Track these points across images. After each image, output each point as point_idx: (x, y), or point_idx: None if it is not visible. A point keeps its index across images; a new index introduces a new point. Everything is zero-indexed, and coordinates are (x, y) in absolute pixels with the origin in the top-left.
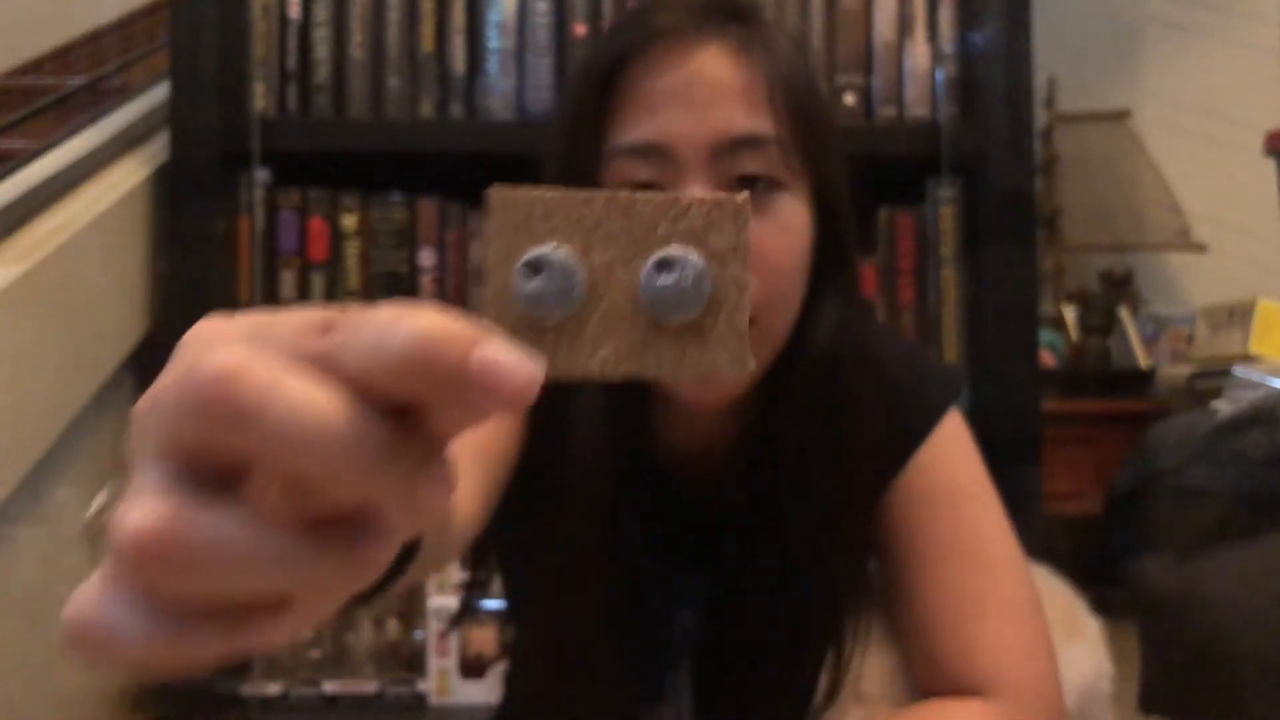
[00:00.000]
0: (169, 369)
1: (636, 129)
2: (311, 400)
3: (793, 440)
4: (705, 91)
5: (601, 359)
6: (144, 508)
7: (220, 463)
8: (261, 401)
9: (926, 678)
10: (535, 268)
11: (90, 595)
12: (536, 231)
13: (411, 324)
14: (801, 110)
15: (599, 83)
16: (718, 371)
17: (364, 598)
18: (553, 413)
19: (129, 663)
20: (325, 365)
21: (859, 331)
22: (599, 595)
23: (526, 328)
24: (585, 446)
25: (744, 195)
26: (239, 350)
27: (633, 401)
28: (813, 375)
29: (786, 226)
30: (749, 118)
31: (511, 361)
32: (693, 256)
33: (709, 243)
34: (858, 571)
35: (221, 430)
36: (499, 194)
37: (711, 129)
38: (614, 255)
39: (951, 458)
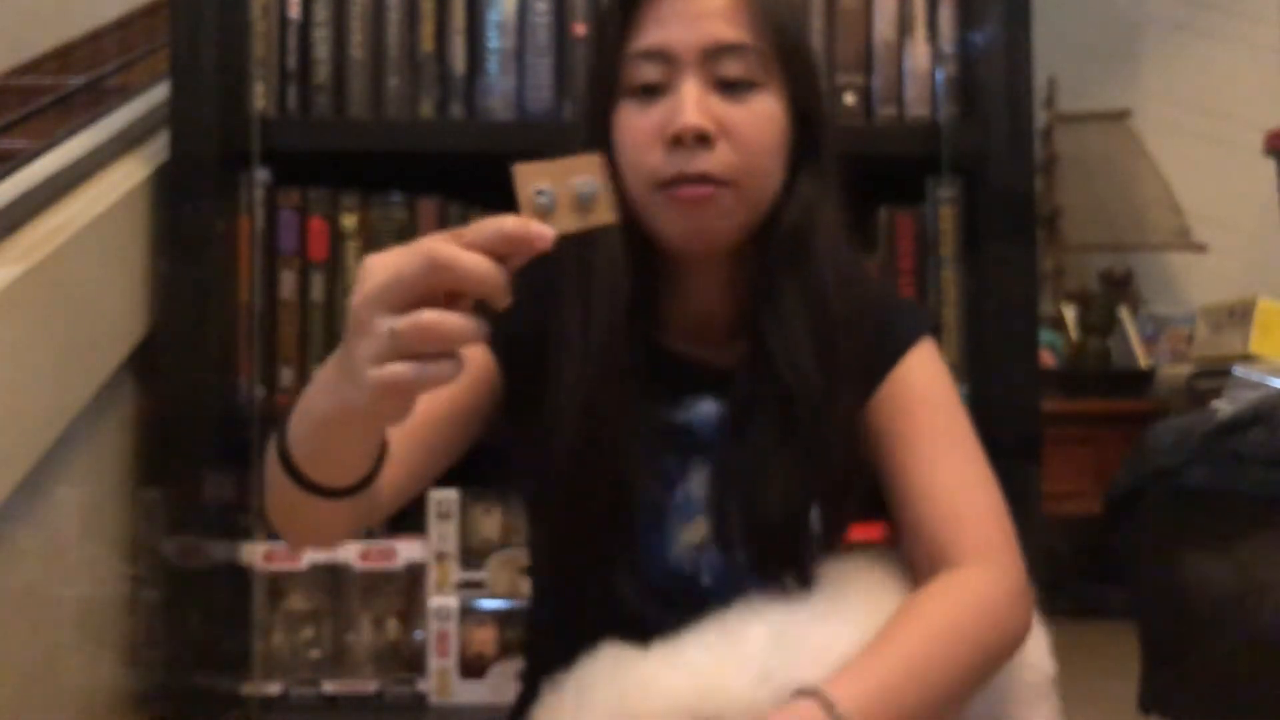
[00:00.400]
0: (362, 278)
1: (647, 37)
2: (473, 258)
3: (777, 291)
4: (698, 9)
5: (566, 223)
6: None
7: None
8: (453, 257)
9: (922, 545)
10: (539, 193)
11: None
12: (537, 179)
13: (501, 222)
14: (778, 27)
15: (623, 5)
16: (607, 217)
17: (355, 489)
18: (578, 281)
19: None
20: (465, 244)
21: (834, 222)
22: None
23: (539, 217)
24: (599, 308)
25: (600, 155)
26: (433, 240)
27: (640, 280)
28: (790, 237)
29: (760, 114)
30: (732, 30)
31: (540, 229)
32: (592, 179)
33: (596, 174)
34: (849, 428)
35: (434, 272)
36: (520, 168)
37: (702, 37)
38: (564, 187)
39: (932, 371)
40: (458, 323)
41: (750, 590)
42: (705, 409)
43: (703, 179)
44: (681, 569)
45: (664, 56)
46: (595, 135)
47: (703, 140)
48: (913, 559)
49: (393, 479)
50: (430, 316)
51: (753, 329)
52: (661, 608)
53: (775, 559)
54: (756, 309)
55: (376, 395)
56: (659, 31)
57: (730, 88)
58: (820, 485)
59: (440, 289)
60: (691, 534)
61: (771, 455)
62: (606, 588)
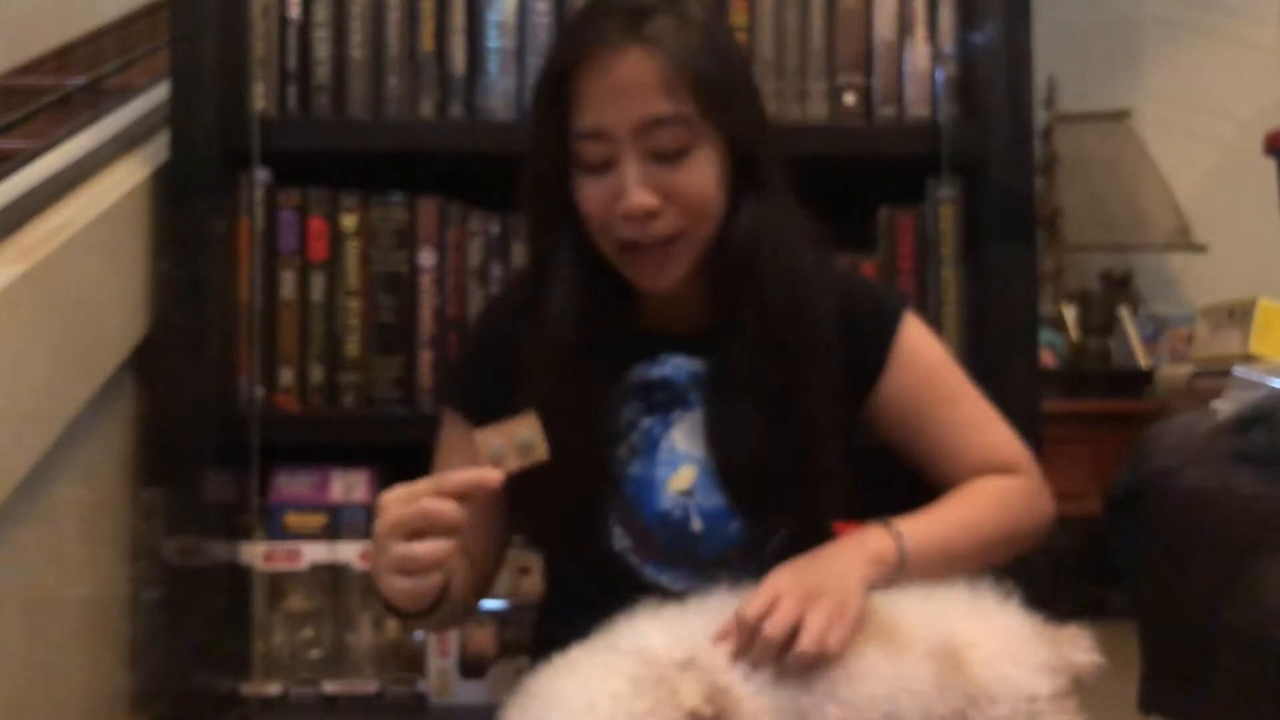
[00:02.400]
0: (380, 513)
1: (584, 119)
2: (446, 508)
3: (732, 304)
4: (626, 88)
5: (512, 464)
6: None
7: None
8: (436, 510)
9: (968, 475)
10: (495, 448)
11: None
12: (491, 439)
13: (463, 476)
14: (704, 85)
15: (555, 84)
16: (541, 455)
17: (425, 613)
18: (545, 287)
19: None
20: (442, 492)
21: (784, 231)
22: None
23: (492, 463)
24: (565, 305)
25: (534, 415)
26: (426, 499)
27: (606, 285)
28: (738, 257)
29: (697, 173)
30: (659, 102)
31: (492, 474)
32: (530, 433)
33: (533, 429)
34: (821, 384)
35: (423, 518)
36: (478, 434)
37: (633, 116)
38: (510, 440)
39: (929, 338)
40: (430, 549)
41: (738, 533)
42: (681, 362)
43: (657, 244)
44: (671, 516)
45: (602, 136)
46: (555, 205)
47: (650, 214)
48: (960, 483)
49: (479, 565)
50: (419, 548)
51: (721, 329)
52: (654, 554)
53: (761, 503)
54: (716, 321)
55: (400, 592)
56: (594, 111)
57: (667, 157)
58: (795, 436)
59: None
60: (679, 482)
61: (747, 405)
62: (601, 544)
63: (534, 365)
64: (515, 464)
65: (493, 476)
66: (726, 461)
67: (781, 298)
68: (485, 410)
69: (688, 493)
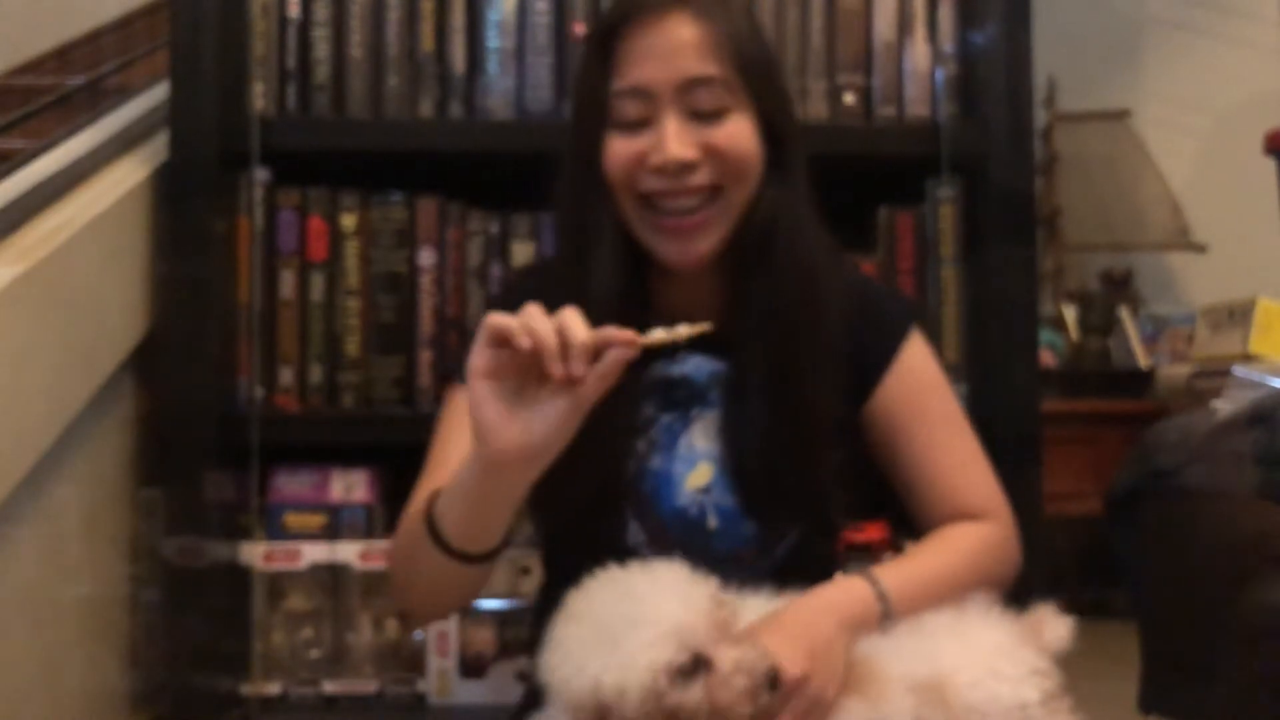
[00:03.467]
0: (483, 325)
1: (627, 77)
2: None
3: (751, 286)
4: (671, 48)
5: (658, 336)
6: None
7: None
8: (575, 328)
9: (944, 507)
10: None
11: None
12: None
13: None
14: (744, 56)
15: (601, 44)
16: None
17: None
18: (572, 279)
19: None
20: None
21: (804, 218)
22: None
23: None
24: (597, 296)
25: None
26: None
27: (632, 271)
28: (759, 238)
29: (734, 133)
30: (702, 64)
31: (628, 335)
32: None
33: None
34: (832, 388)
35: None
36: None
37: (675, 73)
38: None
39: (930, 359)
40: (589, 334)
41: (752, 532)
42: (700, 362)
43: (693, 206)
44: (688, 513)
45: (643, 94)
46: (594, 182)
47: (686, 168)
48: (931, 516)
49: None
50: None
51: (735, 317)
52: (668, 550)
53: (772, 506)
54: (734, 305)
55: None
56: (636, 70)
57: (705, 116)
58: (806, 438)
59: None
60: (696, 479)
61: (762, 407)
62: (616, 538)
63: None
64: (662, 336)
65: (630, 339)
66: (739, 464)
67: (794, 284)
68: None
69: (705, 490)
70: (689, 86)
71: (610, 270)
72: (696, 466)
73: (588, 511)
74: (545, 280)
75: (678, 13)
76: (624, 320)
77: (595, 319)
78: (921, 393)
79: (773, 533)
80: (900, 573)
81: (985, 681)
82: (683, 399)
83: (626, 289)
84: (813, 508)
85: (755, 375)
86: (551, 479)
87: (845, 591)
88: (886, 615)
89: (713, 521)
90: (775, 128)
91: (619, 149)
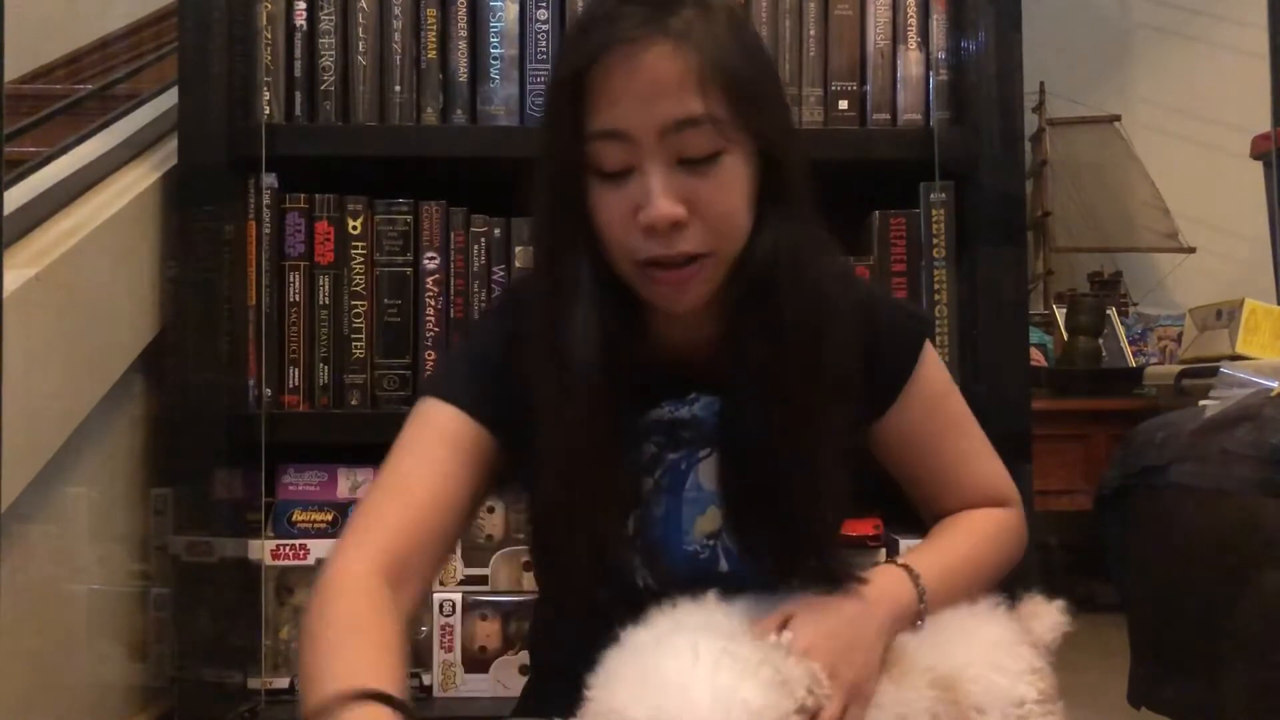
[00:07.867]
0: None
1: (603, 118)
2: None
3: (749, 323)
4: (651, 87)
5: None
6: None
7: None
8: None
9: (953, 507)
10: None
11: None
12: None
13: None
14: (736, 85)
15: (572, 82)
16: None
17: None
18: (561, 316)
19: None
20: None
21: (806, 249)
22: (595, 423)
23: None
24: (586, 337)
25: None
26: None
27: (626, 309)
28: (760, 274)
29: (724, 184)
30: (687, 102)
31: None
32: None
33: None
34: (839, 423)
35: None
36: None
37: (658, 117)
38: None
39: (942, 368)
40: None
41: (767, 575)
42: (710, 401)
43: (682, 261)
44: (698, 558)
45: (623, 137)
46: (569, 220)
47: (676, 226)
48: (949, 508)
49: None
50: None
51: (733, 357)
52: (680, 591)
53: (788, 546)
54: (732, 342)
55: None
56: (613, 111)
57: (694, 163)
58: (808, 487)
59: None
60: (706, 524)
61: (762, 450)
62: (623, 581)
63: (552, 397)
64: None
65: None
66: (737, 510)
67: (798, 323)
68: (485, 411)
69: (715, 534)
70: (675, 130)
71: (592, 321)
72: (706, 510)
73: (593, 561)
74: (530, 314)
75: (658, 44)
76: (623, 356)
77: (582, 374)
78: (937, 404)
79: (783, 572)
80: (934, 563)
81: (988, 675)
82: (689, 439)
83: (613, 335)
84: (815, 553)
85: (752, 417)
86: (550, 549)
87: (884, 591)
88: (922, 613)
89: (725, 565)
90: (774, 153)
91: (609, 204)
